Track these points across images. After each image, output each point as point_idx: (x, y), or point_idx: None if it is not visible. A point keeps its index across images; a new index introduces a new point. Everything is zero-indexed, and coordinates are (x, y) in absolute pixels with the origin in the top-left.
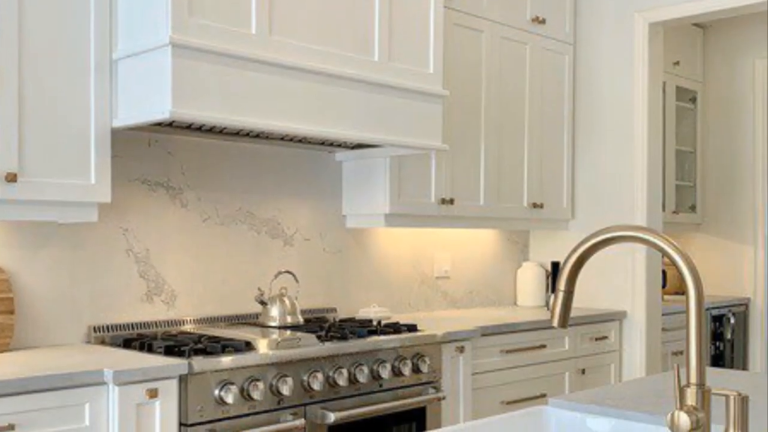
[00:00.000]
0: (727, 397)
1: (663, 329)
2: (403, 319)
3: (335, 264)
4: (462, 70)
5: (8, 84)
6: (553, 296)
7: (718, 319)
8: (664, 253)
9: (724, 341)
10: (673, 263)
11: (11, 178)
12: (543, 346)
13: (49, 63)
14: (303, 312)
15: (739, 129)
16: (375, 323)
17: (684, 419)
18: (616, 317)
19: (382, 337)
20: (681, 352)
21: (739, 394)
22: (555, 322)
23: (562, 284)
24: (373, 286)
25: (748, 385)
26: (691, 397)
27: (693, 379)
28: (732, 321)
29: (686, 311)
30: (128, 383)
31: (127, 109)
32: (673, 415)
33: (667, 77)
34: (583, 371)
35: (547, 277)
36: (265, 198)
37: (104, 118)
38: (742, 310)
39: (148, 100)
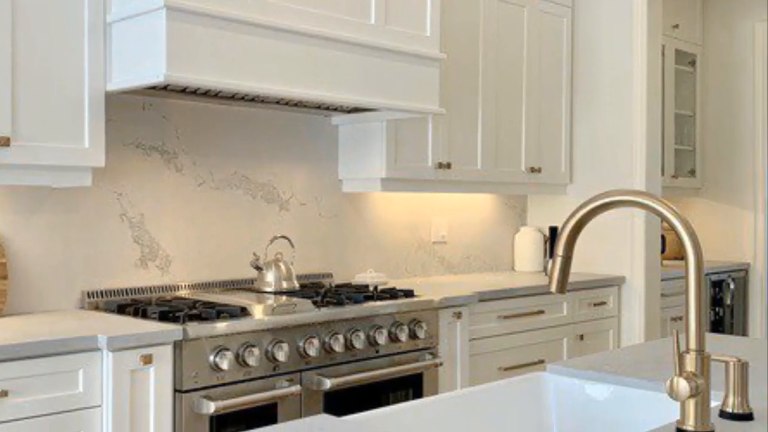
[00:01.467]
0: (726, 363)
1: (662, 295)
2: (400, 284)
3: (331, 229)
4: (459, 33)
5: (1, 47)
6: (551, 261)
7: (718, 285)
8: (663, 218)
9: (724, 307)
10: (672, 228)
11: (4, 142)
12: (541, 312)
13: (43, 26)
14: (299, 277)
15: (739, 92)
16: (371, 289)
17: (683, 385)
18: (615, 283)
19: (379, 303)
20: (680, 318)
21: (739, 360)
22: (553, 288)
23: (560, 249)
24: (370, 251)
25: (747, 351)
26: (690, 363)
27: (692, 345)
28: (732, 286)
29: (685, 277)
30: (122, 349)
31: (121, 72)
32: (672, 381)
33: (666, 40)
34: (582, 337)
35: (545, 242)
36: (261, 162)
37: (98, 81)
38: (741, 275)
39: (142, 63)
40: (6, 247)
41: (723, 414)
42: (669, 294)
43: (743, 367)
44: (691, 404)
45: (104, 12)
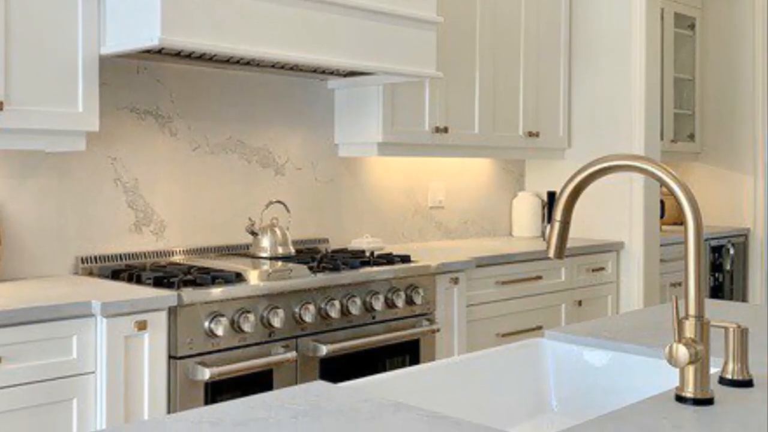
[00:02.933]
0: (726, 329)
1: (661, 260)
2: (397, 249)
3: (327, 194)
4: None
5: None
6: (549, 227)
7: (717, 250)
8: (662, 183)
9: (723, 272)
10: (671, 193)
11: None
12: (539, 278)
13: None
14: (294, 243)
15: (739, 56)
16: (368, 254)
17: (682, 351)
18: (614, 248)
19: (375, 269)
20: (679, 284)
21: (739, 327)
22: (551, 253)
23: (558, 214)
24: (366, 217)
25: (747, 317)
26: (689, 329)
27: (692, 311)
28: (731, 252)
29: (685, 242)
30: (116, 315)
31: (115, 36)
32: (671, 347)
33: (665, 3)
34: (580, 303)
35: (543, 208)
36: (256, 127)
37: (92, 45)
38: (741, 240)
39: (137, 26)
40: None
41: (723, 380)
42: (668, 259)
43: (743, 333)
44: (690, 371)
45: None
